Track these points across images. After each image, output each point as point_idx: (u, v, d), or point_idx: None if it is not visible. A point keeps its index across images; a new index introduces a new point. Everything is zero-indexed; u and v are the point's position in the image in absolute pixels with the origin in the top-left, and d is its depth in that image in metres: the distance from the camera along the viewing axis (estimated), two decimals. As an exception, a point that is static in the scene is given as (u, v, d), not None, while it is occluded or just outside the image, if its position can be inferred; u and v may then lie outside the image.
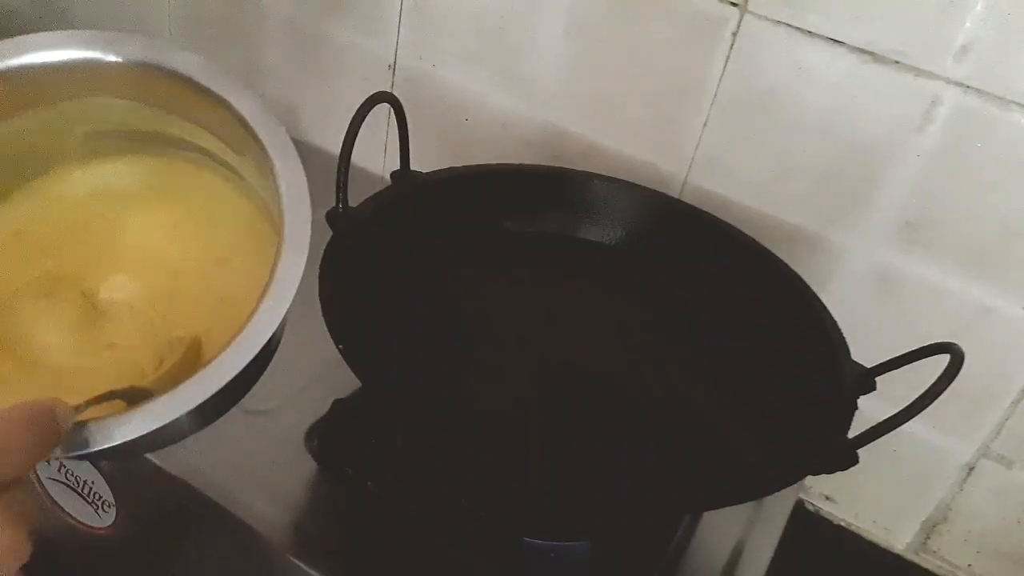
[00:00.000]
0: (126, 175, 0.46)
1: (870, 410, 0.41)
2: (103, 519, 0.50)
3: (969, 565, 0.61)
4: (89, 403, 0.33)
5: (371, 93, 0.44)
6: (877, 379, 0.43)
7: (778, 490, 0.37)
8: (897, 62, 0.49)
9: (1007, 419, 0.55)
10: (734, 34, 0.53)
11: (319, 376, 0.51)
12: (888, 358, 0.42)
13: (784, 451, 0.40)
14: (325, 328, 0.39)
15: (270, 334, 0.36)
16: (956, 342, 0.38)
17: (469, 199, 0.53)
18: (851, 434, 0.38)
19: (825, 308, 0.47)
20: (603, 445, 0.43)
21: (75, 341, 0.41)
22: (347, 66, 0.70)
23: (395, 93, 0.46)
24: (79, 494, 0.49)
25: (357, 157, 0.43)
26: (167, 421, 0.33)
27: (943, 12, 0.47)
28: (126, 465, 0.47)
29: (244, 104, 0.41)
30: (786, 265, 0.50)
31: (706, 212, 0.54)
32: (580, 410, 0.45)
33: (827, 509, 0.64)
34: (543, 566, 0.45)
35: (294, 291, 0.37)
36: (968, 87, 0.48)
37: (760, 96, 0.54)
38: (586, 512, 0.43)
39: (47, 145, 0.45)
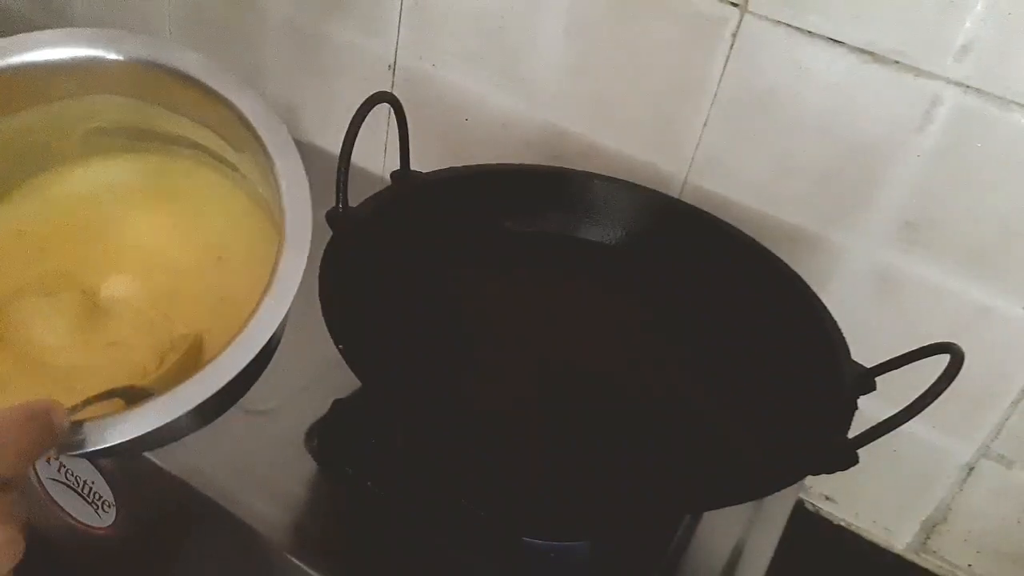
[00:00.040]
0: (127, 173, 0.47)
1: (870, 410, 0.41)
2: (103, 519, 0.50)
3: (969, 565, 0.61)
4: (87, 402, 0.33)
5: (371, 93, 0.44)
6: (877, 379, 0.43)
7: (778, 490, 0.37)
8: (897, 62, 0.49)
9: (1007, 419, 0.55)
10: (734, 34, 0.53)
11: (319, 376, 0.51)
12: (888, 358, 0.42)
13: (784, 451, 0.40)
14: (325, 328, 0.38)
15: (270, 334, 0.36)
16: (956, 342, 0.38)
17: (469, 199, 0.53)
18: (851, 434, 0.38)
19: (825, 308, 0.47)
20: (603, 445, 0.43)
21: (76, 340, 0.41)
22: (347, 66, 0.70)
23: (395, 93, 0.46)
24: (79, 494, 0.49)
25: (357, 157, 0.43)
26: (165, 422, 0.33)
27: (943, 12, 0.47)
28: (126, 465, 0.47)
29: (245, 103, 0.41)
30: (786, 265, 0.50)
31: (706, 212, 0.54)
32: (580, 410, 0.45)
33: (827, 509, 0.64)
34: (543, 566, 0.45)
35: (295, 291, 0.37)
36: (968, 87, 0.48)
37: (760, 96, 0.54)
38: (586, 512, 0.43)
39: (48, 143, 0.45)
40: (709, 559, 0.48)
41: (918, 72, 0.49)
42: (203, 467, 0.45)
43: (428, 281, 0.50)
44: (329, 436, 0.49)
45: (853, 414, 0.41)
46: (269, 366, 0.39)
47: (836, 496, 0.64)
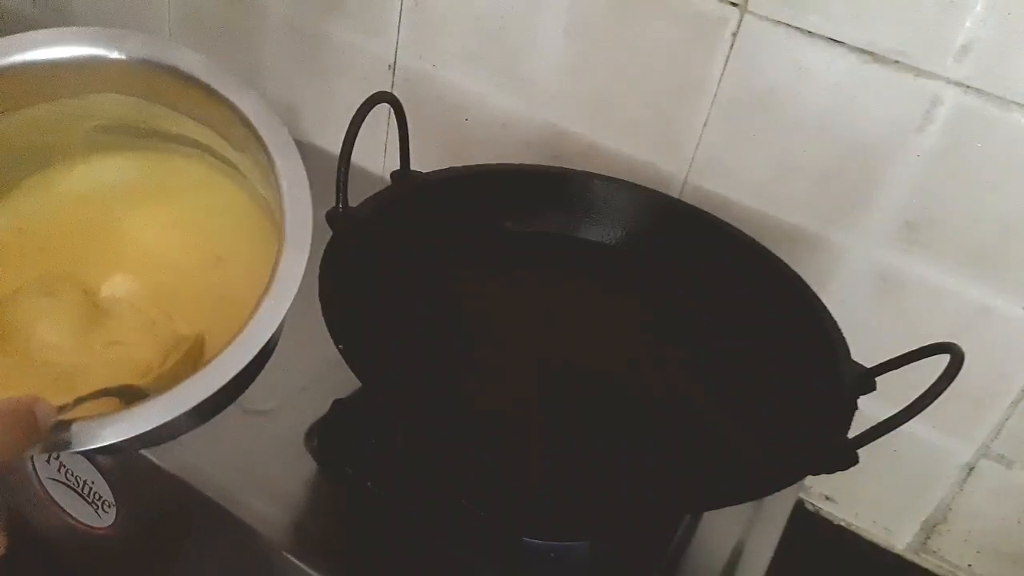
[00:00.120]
0: (127, 171, 0.47)
1: (870, 410, 0.41)
2: (103, 519, 0.50)
3: (969, 565, 0.61)
4: (81, 400, 0.33)
5: (371, 93, 0.44)
6: (877, 379, 0.43)
7: (778, 490, 0.37)
8: (897, 62, 0.49)
9: (1007, 419, 0.55)
10: (734, 34, 0.53)
11: (319, 376, 0.51)
12: (888, 358, 0.42)
13: (784, 451, 0.40)
14: (325, 328, 0.38)
15: (270, 334, 0.36)
16: (956, 342, 0.38)
17: (469, 199, 0.53)
18: (851, 434, 0.38)
19: (825, 308, 0.47)
20: (603, 445, 0.43)
21: (78, 339, 0.41)
22: (347, 66, 0.70)
23: (395, 93, 0.46)
24: (79, 494, 0.49)
25: (357, 157, 0.43)
26: (165, 420, 0.33)
27: (943, 12, 0.47)
28: (126, 465, 0.47)
29: (246, 103, 0.41)
30: (786, 265, 0.50)
31: (706, 212, 0.54)
32: (580, 410, 0.45)
33: (827, 509, 0.64)
34: (543, 566, 0.45)
35: (295, 291, 0.37)
36: (968, 87, 0.48)
37: (760, 96, 0.54)
38: (586, 512, 0.43)
39: (50, 141, 0.45)
40: (709, 559, 0.48)
41: (918, 72, 0.49)
42: (203, 467, 0.45)
43: (428, 281, 0.50)
44: (329, 436, 0.49)
45: (853, 414, 0.41)
46: (269, 366, 0.39)
47: (836, 496, 0.64)
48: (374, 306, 0.45)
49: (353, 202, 0.45)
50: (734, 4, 0.52)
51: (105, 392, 0.35)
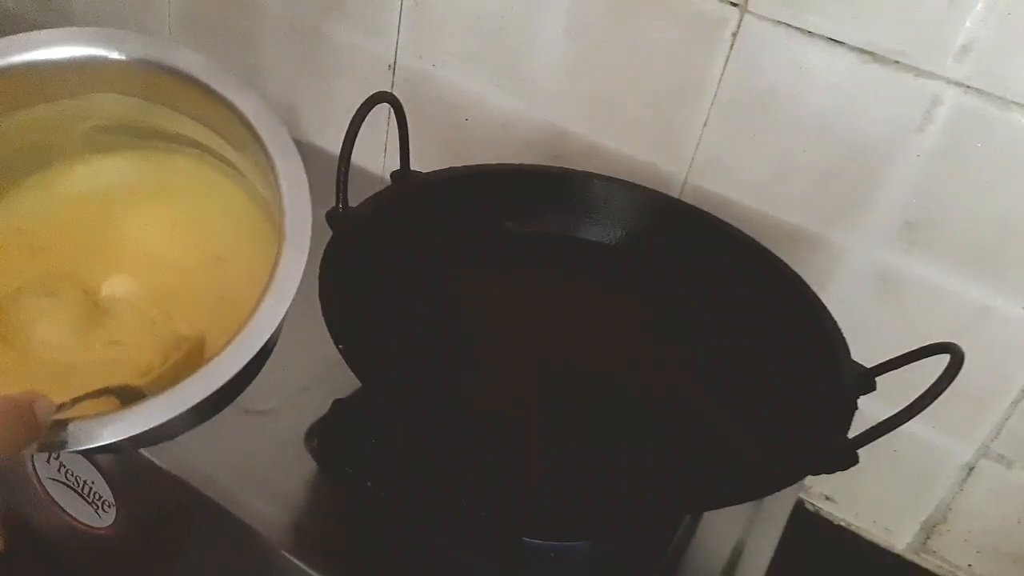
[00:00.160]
0: (127, 171, 0.47)
1: (870, 410, 0.41)
2: (103, 519, 0.50)
3: (969, 565, 0.61)
4: (78, 399, 0.33)
5: (371, 93, 0.44)
6: (877, 379, 0.43)
7: (778, 490, 0.37)
8: (897, 62, 0.49)
9: (1007, 419, 0.55)
10: (734, 34, 0.53)
11: (319, 376, 0.51)
12: (888, 358, 0.42)
13: (784, 451, 0.40)
14: (325, 328, 0.38)
15: (269, 334, 0.36)
16: (956, 342, 0.38)
17: (469, 199, 0.53)
18: (851, 434, 0.38)
19: (825, 308, 0.47)
20: (603, 445, 0.43)
21: (78, 339, 0.41)
22: (347, 66, 0.70)
23: (395, 93, 0.46)
24: (79, 494, 0.49)
25: (357, 157, 0.43)
26: (165, 419, 0.33)
27: (943, 12, 0.47)
28: (126, 465, 0.47)
29: (246, 103, 0.41)
30: (786, 265, 0.50)
31: (706, 212, 0.54)
32: (580, 410, 0.45)
33: (827, 509, 0.64)
34: (543, 566, 0.45)
35: (294, 291, 0.37)
36: (968, 87, 0.48)
37: (760, 96, 0.54)
38: (586, 512, 0.43)
39: (49, 141, 0.45)
40: (709, 559, 0.48)
41: (918, 72, 0.49)
42: (203, 467, 0.45)
43: (428, 281, 0.50)
44: (329, 436, 0.49)
45: (853, 414, 0.41)
46: (270, 366, 0.39)
47: (836, 496, 0.64)
48: (374, 306, 0.45)
49: (353, 202, 0.45)
50: (734, 4, 0.52)
51: (104, 391, 0.35)
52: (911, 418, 0.35)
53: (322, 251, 0.42)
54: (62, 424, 0.32)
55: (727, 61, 0.54)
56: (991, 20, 0.46)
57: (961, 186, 0.50)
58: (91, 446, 0.33)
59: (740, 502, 0.38)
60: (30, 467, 0.50)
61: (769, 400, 0.45)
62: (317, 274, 0.41)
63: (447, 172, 0.53)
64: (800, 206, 0.56)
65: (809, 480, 0.64)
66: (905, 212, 0.52)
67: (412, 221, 0.50)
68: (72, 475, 0.49)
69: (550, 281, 0.53)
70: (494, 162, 0.55)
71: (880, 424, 0.35)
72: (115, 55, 0.42)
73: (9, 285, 0.42)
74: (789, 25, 0.51)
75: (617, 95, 0.59)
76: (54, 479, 0.50)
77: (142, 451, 0.45)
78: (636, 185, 0.55)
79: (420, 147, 0.51)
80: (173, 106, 0.44)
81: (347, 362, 0.38)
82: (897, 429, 0.35)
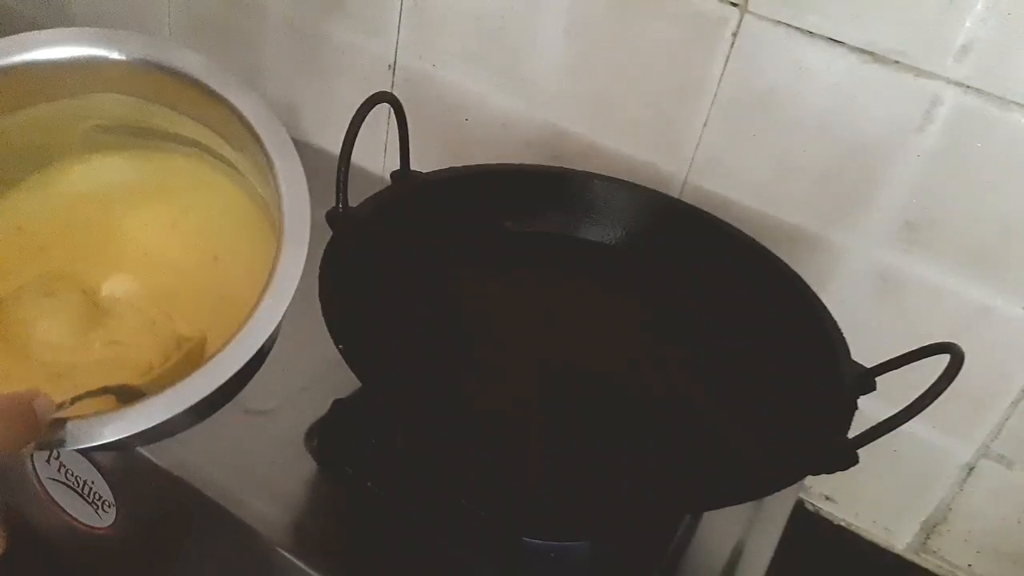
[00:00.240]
0: (126, 171, 0.47)
1: (870, 410, 0.41)
2: (103, 519, 0.50)
3: (969, 565, 0.61)
4: (78, 398, 0.34)
5: (371, 93, 0.44)
6: (877, 379, 0.43)
7: (778, 490, 0.37)
8: (897, 62, 0.49)
9: (1007, 419, 0.55)
10: (734, 34, 0.53)
11: (319, 376, 0.51)
12: (888, 358, 0.42)
13: (784, 451, 0.40)
14: (325, 328, 0.38)
15: (268, 334, 0.36)
16: (956, 342, 0.38)
17: (469, 199, 0.53)
18: (851, 434, 0.38)
19: (825, 308, 0.47)
20: (603, 445, 0.43)
21: (78, 339, 0.41)
22: (347, 66, 0.70)
23: (395, 93, 0.46)
24: (79, 494, 0.49)
25: (357, 157, 0.43)
26: (165, 418, 0.33)
27: (943, 12, 0.47)
28: (126, 465, 0.47)
29: (245, 103, 0.41)
30: (786, 265, 0.50)
31: (706, 212, 0.54)
32: (580, 410, 0.45)
33: (827, 509, 0.64)
34: (543, 566, 0.45)
35: (293, 290, 0.37)
36: (968, 87, 0.48)
37: (760, 96, 0.54)
38: (586, 512, 0.43)
39: (49, 140, 0.45)
40: (709, 559, 0.48)
41: (918, 72, 0.49)
42: (203, 467, 0.45)
43: (428, 281, 0.50)
44: (329, 436, 0.49)
45: (853, 414, 0.41)
46: (270, 366, 0.39)
47: (836, 496, 0.64)
48: (374, 306, 0.45)
49: (353, 202, 0.45)
50: (734, 4, 0.52)
51: (103, 391, 0.35)
52: (911, 418, 0.35)
53: (322, 251, 0.42)
54: (61, 423, 0.32)
55: (727, 61, 0.54)
56: (991, 20, 0.46)
57: (961, 186, 0.50)
58: (90, 445, 0.33)
59: (740, 502, 0.38)
60: (30, 467, 0.50)
61: (769, 400, 0.45)
62: (317, 274, 0.41)
63: (447, 172, 0.53)
64: (800, 206, 0.56)
65: (809, 480, 0.64)
66: (905, 212, 0.52)
67: (412, 221, 0.50)
68: (72, 475, 0.49)
69: (550, 281, 0.53)
70: (494, 162, 0.55)
71: (880, 424, 0.35)
72: (115, 55, 0.42)
73: (9, 285, 0.42)
74: (789, 25, 0.51)
75: (617, 95, 0.59)
76: (54, 479, 0.50)
77: (142, 451, 0.45)
78: (636, 185, 0.55)
79: (420, 147, 0.51)
80: (173, 106, 0.44)
81: (347, 362, 0.38)
82: (897, 429, 0.35)
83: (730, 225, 0.53)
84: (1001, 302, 0.52)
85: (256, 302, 0.36)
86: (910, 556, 0.62)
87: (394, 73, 0.68)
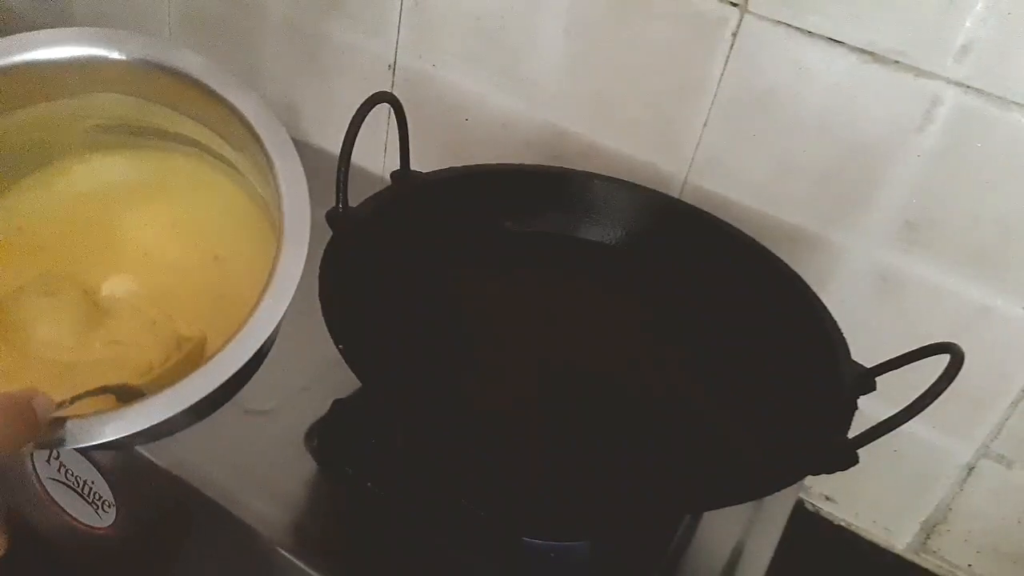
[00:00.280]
0: (127, 170, 0.47)
1: (870, 410, 0.41)
2: (103, 519, 0.50)
3: (969, 565, 0.61)
4: (78, 398, 0.34)
5: (371, 93, 0.44)
6: (877, 379, 0.43)
7: (778, 490, 0.37)
8: (897, 62, 0.49)
9: (1007, 419, 0.55)
10: (734, 34, 0.53)
11: (319, 376, 0.51)
12: (888, 358, 0.42)
13: (784, 451, 0.40)
14: (325, 328, 0.38)
15: (268, 334, 0.36)
16: (956, 342, 0.38)
17: (469, 199, 0.53)
18: (851, 434, 0.38)
19: (825, 308, 0.47)
20: (603, 445, 0.43)
21: (78, 339, 0.41)
22: (347, 66, 0.70)
23: (395, 93, 0.46)
24: (79, 494, 0.49)
25: (357, 157, 0.43)
26: (165, 417, 0.34)
27: (943, 12, 0.47)
28: (126, 465, 0.47)
29: (245, 104, 0.41)
30: (786, 265, 0.50)
31: (706, 212, 0.54)
32: (580, 410, 0.45)
33: (827, 509, 0.64)
34: (543, 566, 0.45)
35: (293, 290, 0.37)
36: (968, 87, 0.48)
37: (760, 96, 0.54)
38: (586, 512, 0.43)
39: (49, 140, 0.45)
40: (709, 559, 0.48)
41: (918, 72, 0.49)
42: (203, 467, 0.45)
43: (428, 281, 0.50)
44: (329, 436, 0.49)
45: (853, 414, 0.41)
46: (270, 366, 0.39)
47: (836, 496, 0.64)
48: (374, 306, 0.45)
49: (353, 202, 0.45)
50: (734, 4, 0.52)
51: (103, 390, 0.35)
52: (911, 418, 0.35)
53: (322, 251, 0.42)
54: (61, 422, 0.32)
55: (727, 61, 0.54)
56: (991, 20, 0.46)
57: (961, 186, 0.50)
58: (90, 444, 0.33)
59: (740, 502, 0.38)
60: (30, 467, 0.50)
61: (769, 400, 0.45)
62: (317, 274, 0.41)
63: (447, 172, 0.53)
64: (800, 206, 0.56)
65: (809, 480, 0.64)
66: (905, 212, 0.52)
67: (412, 221, 0.50)
68: (72, 475, 0.49)
69: (550, 281, 0.53)
70: (494, 162, 0.55)
71: (880, 424, 0.35)
72: (115, 55, 0.42)
73: (9, 284, 0.42)
74: (789, 25, 0.51)
75: (617, 95, 0.59)
76: (54, 479, 0.50)
77: (142, 451, 0.45)
78: (636, 185, 0.55)
79: (420, 147, 0.51)
80: (173, 106, 0.44)
81: (347, 362, 0.38)
82: (897, 429, 0.35)
83: (730, 225, 0.53)
84: (1001, 302, 0.52)
85: (256, 302, 0.36)
86: (910, 556, 0.62)
87: (394, 73, 0.68)
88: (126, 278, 0.44)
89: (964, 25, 0.47)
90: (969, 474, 0.57)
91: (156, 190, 0.47)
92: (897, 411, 0.35)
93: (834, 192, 0.54)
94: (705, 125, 0.57)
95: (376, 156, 0.71)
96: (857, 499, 0.63)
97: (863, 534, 0.64)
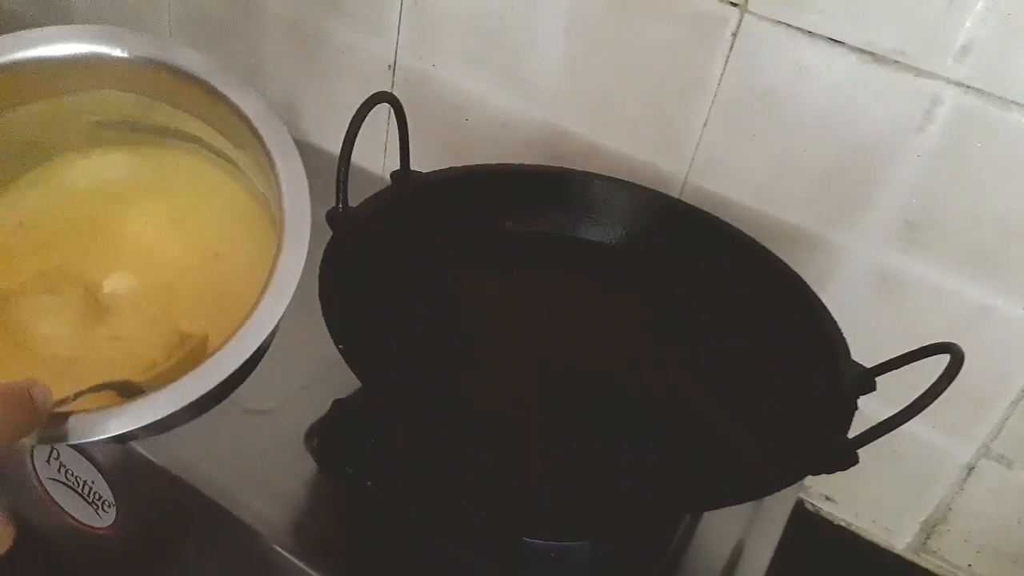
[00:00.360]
0: (127, 167, 0.47)
1: (870, 410, 0.41)
2: (103, 519, 0.50)
3: (969, 565, 0.61)
4: (80, 394, 0.34)
5: (371, 93, 0.44)
6: (877, 379, 0.43)
7: (778, 490, 0.37)
8: (897, 62, 0.49)
9: (1007, 419, 0.55)
10: (734, 34, 0.53)
11: (319, 376, 0.51)
12: (888, 358, 0.42)
13: (784, 451, 0.40)
14: (325, 328, 0.39)
15: (268, 332, 0.36)
16: (956, 342, 0.38)
17: (469, 199, 0.53)
18: (851, 434, 0.38)
19: (825, 308, 0.47)
20: (603, 445, 0.43)
21: (80, 336, 0.41)
22: (347, 66, 0.70)
23: (395, 93, 0.46)
24: (79, 494, 0.49)
25: (357, 157, 0.43)
26: (166, 414, 0.34)
27: (943, 12, 0.47)
28: (126, 465, 0.47)
29: (246, 102, 0.41)
30: (786, 265, 0.50)
31: (706, 212, 0.54)
32: (580, 410, 0.45)
33: (827, 509, 0.64)
34: (543, 566, 0.45)
35: (293, 288, 0.37)
36: (968, 87, 0.48)
37: (760, 96, 0.54)
38: (586, 512, 0.43)
39: (50, 136, 0.45)
40: (709, 559, 0.48)
41: (918, 72, 0.49)
42: (203, 467, 0.45)
43: (428, 281, 0.50)
44: (329, 436, 0.49)
45: (853, 414, 0.41)
46: (270, 366, 0.39)
47: (836, 496, 0.64)
48: (374, 306, 0.45)
49: (353, 202, 0.45)
50: (734, 4, 0.52)
51: (105, 386, 0.36)
52: (911, 418, 0.35)
53: (322, 251, 0.42)
54: (64, 417, 0.33)
55: (727, 61, 0.54)
56: (991, 20, 0.46)
57: (961, 186, 0.50)
58: (92, 439, 0.33)
59: (740, 502, 0.38)
60: (30, 467, 0.50)
61: (769, 400, 0.45)
62: (317, 274, 0.41)
63: (447, 172, 0.53)
64: (800, 206, 0.56)
65: (809, 480, 0.64)
66: (905, 212, 0.52)
67: (412, 221, 0.50)
68: (72, 475, 0.49)
69: (550, 281, 0.53)
70: (494, 162, 0.55)
71: (880, 424, 0.35)
72: (117, 52, 0.42)
73: (10, 280, 0.42)
74: (789, 25, 0.51)
75: (617, 95, 0.59)
76: (54, 479, 0.50)
77: (142, 451, 0.45)
78: (636, 185, 0.55)
79: (420, 147, 0.51)
80: (174, 103, 0.44)
81: (347, 362, 0.38)
82: (897, 429, 0.35)
83: (730, 225, 0.53)
84: (1001, 302, 0.52)
85: (256, 300, 0.36)
86: (910, 556, 0.62)
87: (394, 73, 0.68)
88: (127, 275, 0.44)
89: (964, 25, 0.47)
90: (969, 474, 0.57)
91: (157, 187, 0.47)
92: (897, 411, 0.35)
93: (834, 192, 0.54)
94: (705, 125, 0.57)
95: (376, 156, 0.71)
96: (857, 499, 0.63)
97: (863, 534, 0.64)
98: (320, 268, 0.41)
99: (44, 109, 0.43)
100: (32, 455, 0.50)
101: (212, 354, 0.35)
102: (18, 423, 0.30)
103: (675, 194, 0.59)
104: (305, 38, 0.71)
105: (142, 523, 0.49)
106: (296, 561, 0.43)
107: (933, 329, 0.54)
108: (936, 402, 0.35)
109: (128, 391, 0.36)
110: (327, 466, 0.47)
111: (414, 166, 0.51)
